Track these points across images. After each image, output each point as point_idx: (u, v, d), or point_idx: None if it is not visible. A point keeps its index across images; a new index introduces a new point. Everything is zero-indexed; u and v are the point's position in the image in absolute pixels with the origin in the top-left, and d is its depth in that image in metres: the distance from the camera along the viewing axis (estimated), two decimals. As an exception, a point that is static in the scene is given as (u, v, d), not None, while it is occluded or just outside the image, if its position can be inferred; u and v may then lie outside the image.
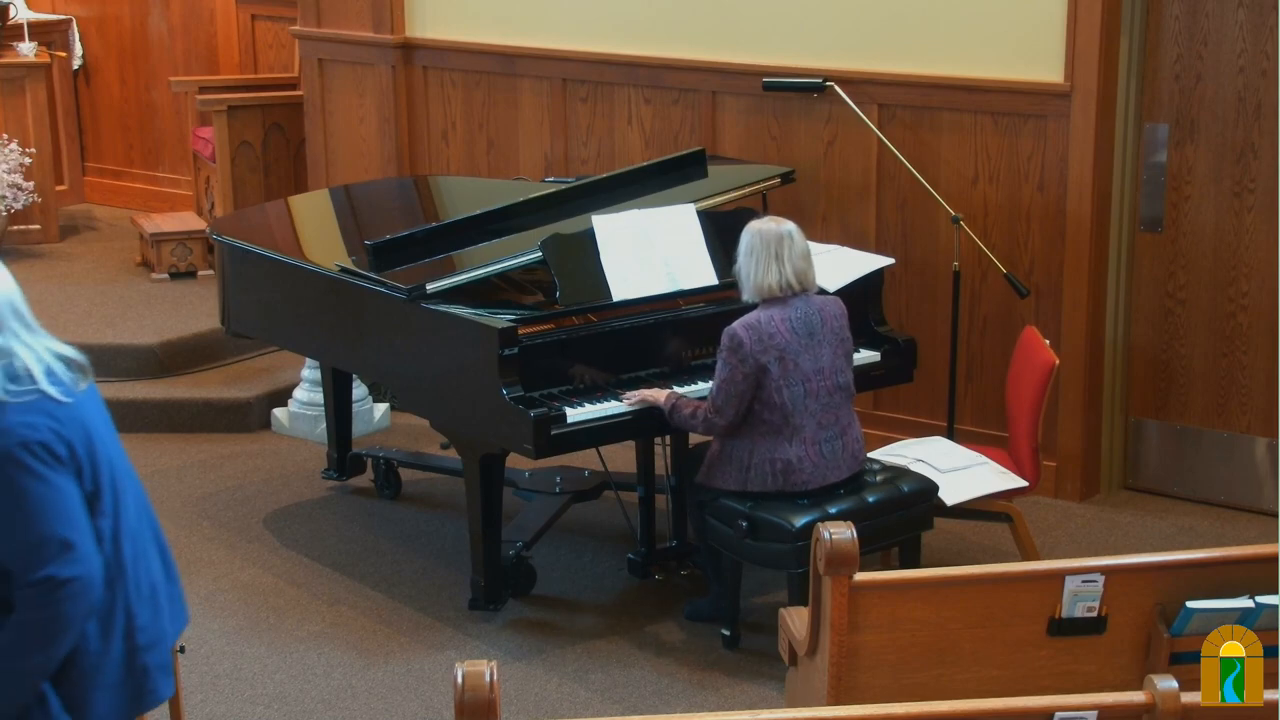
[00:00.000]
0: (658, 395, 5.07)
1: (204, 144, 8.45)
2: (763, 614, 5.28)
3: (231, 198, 8.16)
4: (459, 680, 2.84)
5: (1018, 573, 3.81)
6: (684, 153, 6.18)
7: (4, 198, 8.20)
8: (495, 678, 2.84)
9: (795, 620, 4.07)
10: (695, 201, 5.59)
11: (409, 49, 7.55)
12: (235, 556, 5.89)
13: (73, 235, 9.07)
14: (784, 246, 4.86)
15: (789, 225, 4.91)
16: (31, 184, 8.37)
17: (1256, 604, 3.60)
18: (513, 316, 5.12)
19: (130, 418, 6.83)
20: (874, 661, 3.68)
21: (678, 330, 5.33)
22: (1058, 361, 5.33)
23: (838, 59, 6.44)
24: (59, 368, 3.26)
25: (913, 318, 6.44)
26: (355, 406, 6.59)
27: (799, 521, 4.81)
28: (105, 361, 6.96)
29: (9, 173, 8.21)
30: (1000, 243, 6.22)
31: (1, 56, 8.78)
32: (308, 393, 6.96)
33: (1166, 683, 2.99)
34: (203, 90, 8.41)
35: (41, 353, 3.24)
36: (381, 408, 7.11)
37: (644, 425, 5.20)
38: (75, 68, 9.72)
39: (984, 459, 5.43)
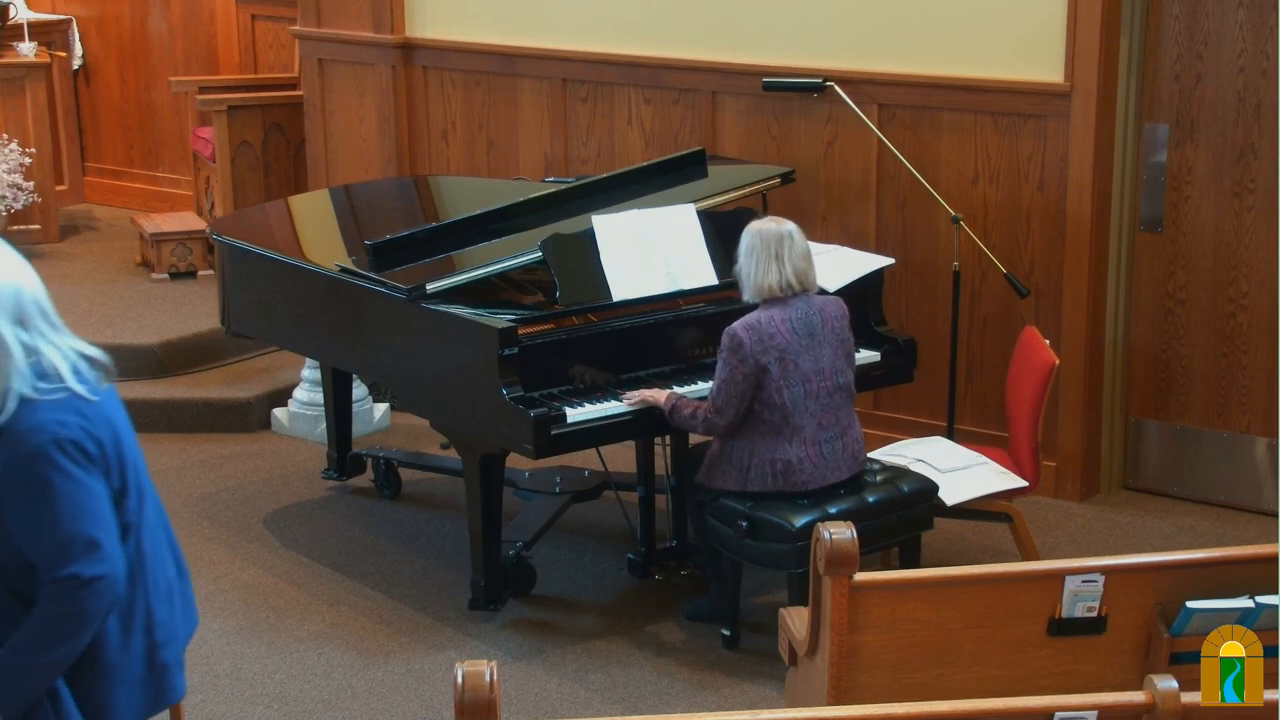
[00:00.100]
0: (658, 396, 5.06)
1: (204, 144, 8.45)
2: (763, 614, 5.28)
3: (231, 198, 8.16)
4: (459, 680, 2.84)
5: (1018, 573, 3.81)
6: (684, 153, 6.18)
7: (4, 198, 8.20)
8: (495, 678, 2.84)
9: (795, 620, 4.07)
10: (695, 201, 5.59)
11: (409, 49, 7.55)
12: (235, 556, 5.89)
13: (73, 235, 9.07)
14: (784, 247, 4.86)
15: (789, 225, 4.91)
16: (31, 184, 8.37)
17: (1256, 604, 3.60)
18: (513, 316, 5.12)
19: (130, 418, 6.80)
20: (874, 661, 3.68)
21: (678, 330, 5.32)
22: (1058, 361, 5.33)
23: (838, 59, 6.44)
24: (84, 366, 3.27)
25: (913, 318, 6.44)
26: (355, 406, 6.59)
27: (799, 521, 4.81)
28: (105, 361, 6.96)
29: (9, 173, 8.22)
30: (1000, 243, 6.22)
31: (1, 56, 8.78)
32: (308, 393, 6.96)
33: (1166, 683, 2.99)
34: (203, 90, 8.41)
35: (67, 351, 3.27)
36: (381, 408, 7.11)
37: (644, 425, 5.20)
38: (75, 68, 9.73)
39: (984, 459, 5.43)
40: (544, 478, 5.92)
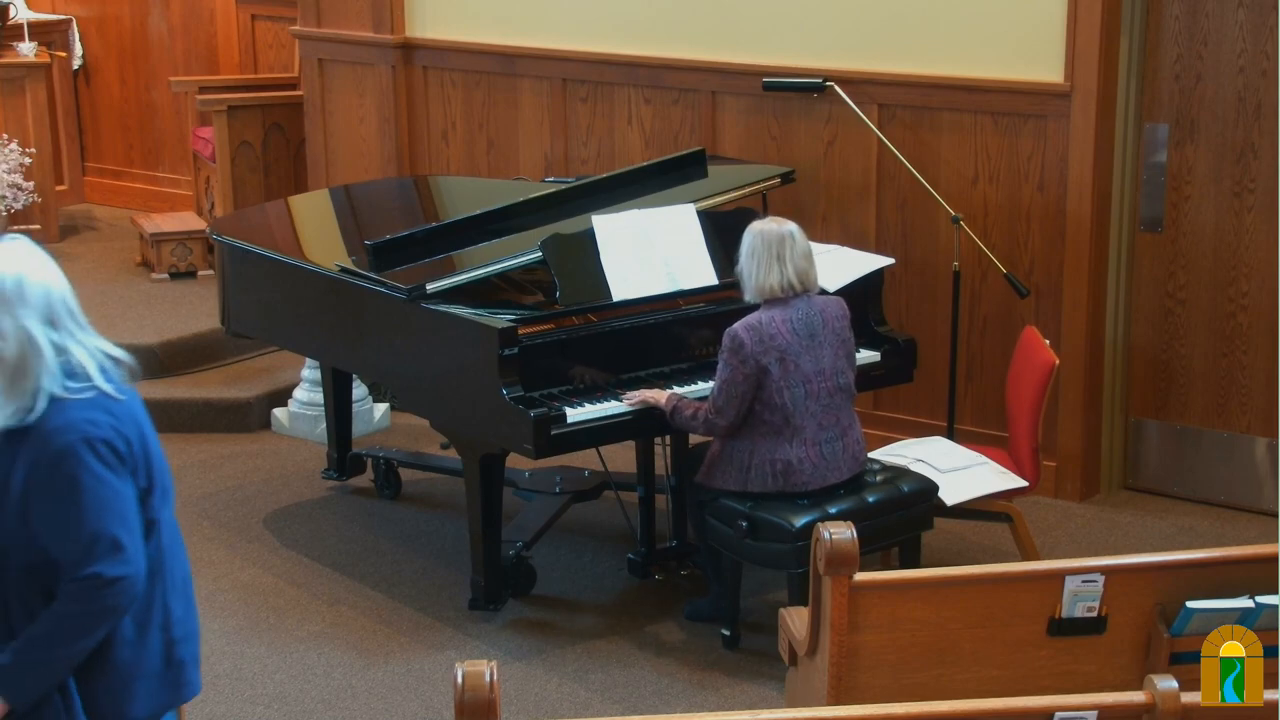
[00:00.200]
0: (658, 396, 5.06)
1: (204, 144, 8.45)
2: (763, 614, 5.28)
3: (231, 198, 8.16)
4: (459, 680, 2.84)
5: (1018, 573, 3.81)
6: (684, 153, 6.18)
7: (4, 198, 8.20)
8: (495, 678, 2.85)
9: (795, 620, 4.07)
10: (695, 201, 5.59)
11: (409, 49, 7.55)
12: (235, 556, 5.88)
13: (73, 235, 9.07)
14: (785, 247, 4.86)
15: (790, 226, 4.91)
16: (31, 184, 8.37)
17: (1256, 604, 3.60)
18: (513, 316, 5.12)
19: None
20: (874, 661, 3.68)
21: (678, 330, 5.32)
22: (1058, 361, 5.33)
23: (838, 59, 6.44)
24: (110, 366, 3.29)
25: (913, 318, 6.44)
26: (355, 406, 6.59)
27: (799, 521, 4.81)
28: (105, 361, 6.96)
29: (9, 173, 8.21)
30: (1000, 243, 6.22)
31: (1, 56, 8.78)
32: (308, 393, 6.96)
33: (1166, 683, 2.99)
34: (203, 90, 8.41)
35: (94, 351, 3.29)
36: (381, 408, 7.11)
37: (644, 425, 5.20)
38: (75, 68, 9.72)
39: (984, 459, 5.43)
40: (544, 478, 5.92)
